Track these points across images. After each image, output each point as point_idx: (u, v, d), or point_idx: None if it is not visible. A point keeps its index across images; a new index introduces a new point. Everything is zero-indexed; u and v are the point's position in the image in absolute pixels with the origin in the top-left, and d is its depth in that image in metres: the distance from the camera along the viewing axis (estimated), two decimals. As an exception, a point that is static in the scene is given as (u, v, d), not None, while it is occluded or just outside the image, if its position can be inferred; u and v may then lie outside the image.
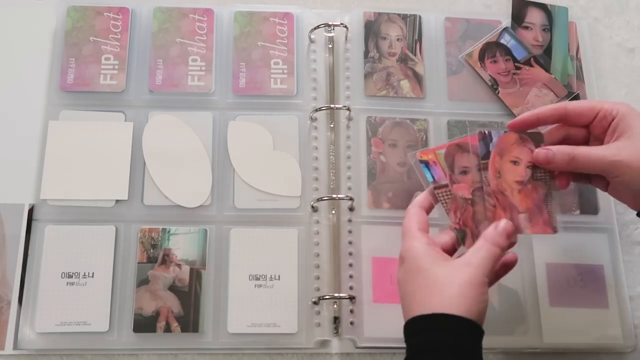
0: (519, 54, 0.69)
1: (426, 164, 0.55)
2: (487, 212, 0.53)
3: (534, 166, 0.55)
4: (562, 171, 0.53)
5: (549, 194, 0.55)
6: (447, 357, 0.44)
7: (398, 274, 0.51)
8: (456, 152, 0.55)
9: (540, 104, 0.67)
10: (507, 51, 0.69)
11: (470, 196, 0.54)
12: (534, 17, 0.71)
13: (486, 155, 0.55)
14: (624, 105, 0.53)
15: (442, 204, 0.54)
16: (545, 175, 0.55)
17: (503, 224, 0.51)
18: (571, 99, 0.67)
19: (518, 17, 0.71)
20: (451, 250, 0.52)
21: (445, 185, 0.54)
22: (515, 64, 0.69)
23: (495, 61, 0.69)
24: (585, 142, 0.55)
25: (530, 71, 0.69)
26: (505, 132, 0.55)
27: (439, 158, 0.55)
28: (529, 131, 0.55)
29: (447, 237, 0.53)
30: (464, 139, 0.55)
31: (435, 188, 0.54)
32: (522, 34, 0.70)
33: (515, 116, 0.59)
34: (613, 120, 0.52)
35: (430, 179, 0.55)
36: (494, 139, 0.55)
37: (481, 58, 0.69)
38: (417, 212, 0.53)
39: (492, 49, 0.69)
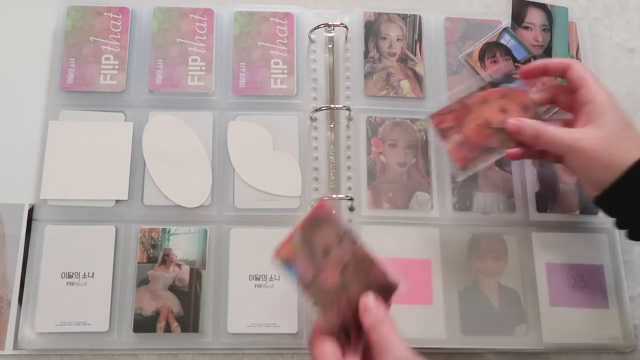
0: (519, 54, 0.69)
1: (286, 263, 0.48)
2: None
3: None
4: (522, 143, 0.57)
5: (492, 149, 0.59)
6: None
7: None
8: (312, 229, 0.48)
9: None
10: (507, 51, 0.69)
11: (339, 280, 0.48)
12: (534, 17, 0.71)
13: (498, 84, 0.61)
14: (605, 95, 0.55)
15: (317, 306, 0.47)
16: (505, 137, 0.59)
17: (368, 301, 0.47)
18: None
19: (518, 17, 0.71)
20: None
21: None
22: (515, 64, 0.69)
23: (495, 61, 0.69)
24: (570, 109, 0.59)
25: None
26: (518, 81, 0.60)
27: (297, 248, 0.48)
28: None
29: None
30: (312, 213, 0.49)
31: (304, 288, 0.48)
32: (522, 34, 0.70)
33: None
34: (590, 103, 0.55)
35: (297, 280, 0.48)
36: (511, 85, 0.61)
37: (481, 58, 0.69)
38: (320, 347, 0.46)
39: (492, 49, 0.69)
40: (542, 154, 0.60)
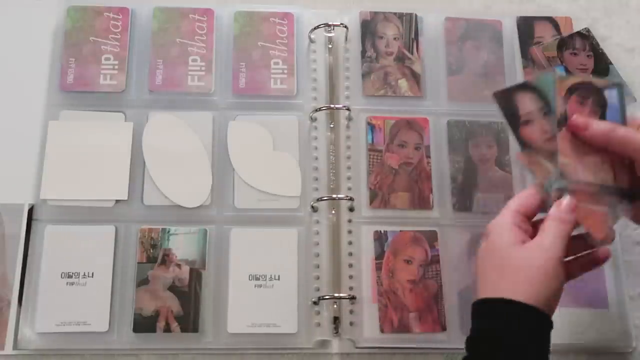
0: (612, 116, 0.54)
1: (372, 127, 0.62)
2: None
3: (427, 265, 0.61)
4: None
5: (439, 293, 0.60)
6: (504, 348, 0.44)
7: (479, 248, 0.50)
8: (403, 126, 0.62)
9: None
10: (602, 102, 0.55)
11: (396, 167, 0.63)
12: (526, 103, 0.55)
13: (380, 255, 0.61)
14: None
15: (370, 164, 0.63)
16: (436, 274, 0.60)
17: (566, 200, 0.49)
18: None
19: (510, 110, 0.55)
20: None
21: (380, 151, 0.63)
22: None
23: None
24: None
25: None
26: (400, 231, 0.62)
27: (386, 126, 0.63)
28: (425, 230, 0.62)
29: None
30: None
31: (370, 150, 0.63)
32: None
33: None
34: None
35: (370, 141, 0.63)
36: (389, 239, 0.61)
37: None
38: (525, 195, 0.50)
39: (586, 91, 0.55)
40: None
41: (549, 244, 0.47)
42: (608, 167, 0.52)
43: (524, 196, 0.51)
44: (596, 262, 0.53)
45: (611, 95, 0.55)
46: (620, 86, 0.54)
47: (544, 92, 0.53)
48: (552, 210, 0.49)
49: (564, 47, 0.70)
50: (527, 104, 0.53)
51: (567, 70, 0.69)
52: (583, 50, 0.70)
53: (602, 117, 0.54)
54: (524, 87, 0.53)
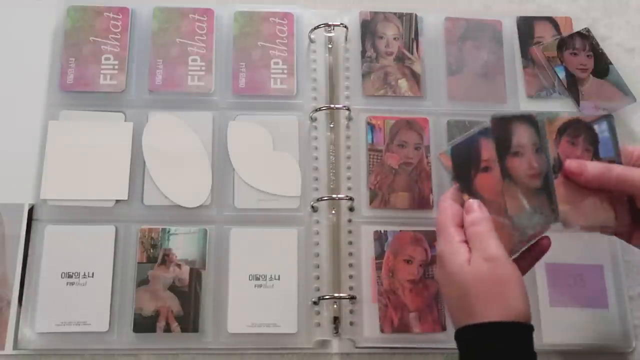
0: (605, 152, 0.54)
1: (372, 127, 0.63)
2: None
3: (427, 265, 0.61)
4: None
5: (440, 293, 0.59)
6: None
7: (437, 275, 0.51)
8: (402, 127, 0.63)
9: None
10: (593, 139, 0.55)
11: (396, 167, 0.63)
12: (522, 135, 0.54)
13: (380, 255, 0.61)
14: None
15: (370, 164, 0.63)
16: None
17: (470, 204, 0.50)
18: None
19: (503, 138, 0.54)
20: None
21: (380, 151, 0.63)
22: (594, 158, 0.54)
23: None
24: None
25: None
26: (400, 231, 0.62)
27: (386, 126, 0.64)
28: (425, 230, 0.62)
29: None
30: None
31: (370, 150, 0.64)
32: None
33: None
34: None
35: (370, 141, 0.63)
36: (389, 239, 0.61)
37: (560, 134, 0.55)
38: (449, 205, 0.51)
39: (577, 130, 0.54)
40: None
41: (495, 250, 0.47)
42: (608, 206, 0.52)
43: (455, 209, 0.50)
44: (542, 251, 0.53)
45: (602, 129, 0.54)
46: (609, 117, 0.54)
47: (542, 130, 0.52)
48: (468, 218, 0.49)
49: (564, 47, 0.70)
50: (522, 135, 0.52)
51: (566, 70, 0.69)
52: (583, 50, 0.70)
53: (596, 153, 0.53)
54: (525, 119, 0.53)
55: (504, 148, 0.51)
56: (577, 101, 0.68)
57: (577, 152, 0.53)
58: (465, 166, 0.52)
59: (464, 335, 0.46)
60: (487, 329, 0.45)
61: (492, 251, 0.47)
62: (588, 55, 0.70)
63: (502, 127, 0.52)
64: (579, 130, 0.54)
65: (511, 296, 0.46)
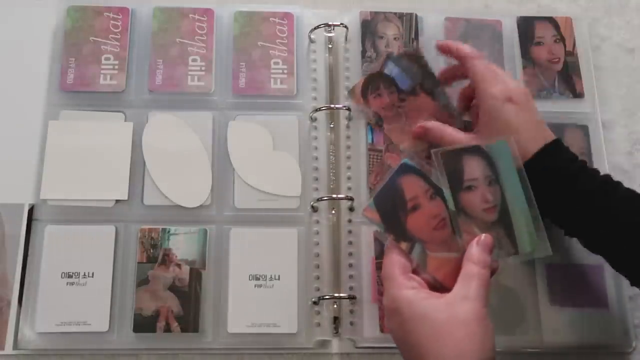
0: (403, 84, 0.64)
1: (371, 128, 0.64)
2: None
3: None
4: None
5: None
6: None
7: (390, 326, 0.48)
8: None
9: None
10: (390, 82, 0.64)
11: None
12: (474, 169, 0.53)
13: (380, 255, 0.58)
14: (491, 100, 0.55)
15: (370, 164, 0.63)
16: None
17: (484, 238, 0.49)
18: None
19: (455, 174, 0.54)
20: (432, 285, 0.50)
21: (380, 151, 0.63)
22: (400, 95, 0.64)
23: (379, 94, 0.65)
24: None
25: (417, 101, 0.64)
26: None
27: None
28: None
29: (423, 275, 0.50)
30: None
31: (370, 150, 0.64)
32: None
33: (401, 152, 0.63)
34: (479, 108, 0.57)
35: (370, 141, 0.63)
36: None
37: (364, 93, 0.63)
38: (395, 254, 0.50)
39: (375, 82, 0.64)
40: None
41: (474, 294, 0.46)
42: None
43: (400, 258, 0.49)
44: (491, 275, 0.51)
45: (390, 69, 0.64)
46: (390, 56, 0.65)
47: (494, 161, 0.51)
48: (473, 253, 0.48)
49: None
50: (474, 169, 0.51)
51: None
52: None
53: (399, 90, 0.63)
54: (474, 151, 0.52)
55: (457, 183, 0.51)
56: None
57: (386, 100, 0.63)
58: (392, 213, 0.51)
59: None
60: None
61: (479, 297, 0.46)
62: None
63: (452, 161, 0.51)
64: (376, 82, 0.64)
65: (485, 337, 0.45)
